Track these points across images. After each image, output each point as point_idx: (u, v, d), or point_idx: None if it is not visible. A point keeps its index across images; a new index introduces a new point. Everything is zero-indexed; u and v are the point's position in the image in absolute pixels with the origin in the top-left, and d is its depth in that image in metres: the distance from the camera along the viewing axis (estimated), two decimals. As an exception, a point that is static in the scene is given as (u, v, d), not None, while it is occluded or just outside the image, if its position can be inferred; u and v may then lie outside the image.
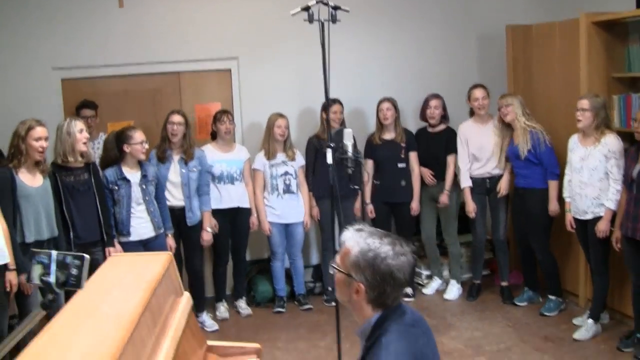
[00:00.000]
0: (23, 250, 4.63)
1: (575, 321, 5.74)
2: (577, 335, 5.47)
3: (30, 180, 4.79)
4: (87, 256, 2.43)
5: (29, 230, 4.74)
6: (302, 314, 6.39)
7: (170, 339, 2.85)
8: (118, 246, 5.36)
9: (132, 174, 5.44)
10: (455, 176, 6.52)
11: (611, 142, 5.25)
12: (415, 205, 6.50)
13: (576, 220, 5.58)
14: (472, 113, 6.41)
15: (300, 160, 6.46)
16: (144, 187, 5.47)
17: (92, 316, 2.62)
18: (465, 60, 7.27)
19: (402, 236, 6.04)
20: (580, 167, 5.44)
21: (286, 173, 6.35)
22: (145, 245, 5.47)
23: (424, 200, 6.58)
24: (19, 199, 4.71)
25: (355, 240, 2.35)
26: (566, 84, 6.04)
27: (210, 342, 3.57)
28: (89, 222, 5.19)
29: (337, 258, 2.41)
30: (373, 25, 7.03)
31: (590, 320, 5.49)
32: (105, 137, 5.93)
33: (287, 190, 6.37)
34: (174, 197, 5.86)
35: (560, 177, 5.80)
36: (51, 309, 2.59)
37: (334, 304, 5.19)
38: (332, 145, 4.57)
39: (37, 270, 2.40)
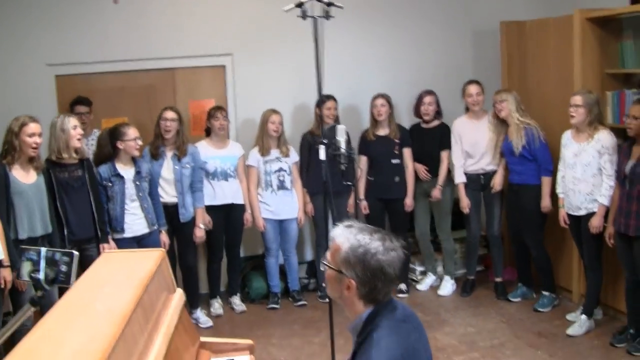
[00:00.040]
0: (16, 247, 4.62)
1: (569, 317, 5.77)
2: (571, 331, 5.48)
3: (24, 177, 4.79)
4: (76, 253, 2.43)
5: (22, 227, 4.73)
6: (297, 310, 6.39)
7: (162, 335, 2.85)
8: (112, 243, 5.35)
9: (126, 171, 5.44)
10: (449, 172, 6.53)
11: (604, 138, 5.27)
12: (409, 202, 6.51)
13: (570, 216, 5.59)
14: (468, 109, 6.42)
15: (294, 156, 6.46)
16: (137, 183, 5.46)
17: (84, 313, 2.62)
18: (459, 56, 7.27)
19: (396, 232, 6.05)
20: (573, 163, 5.45)
21: (280, 169, 6.35)
22: (139, 242, 5.47)
23: (417, 197, 6.59)
24: (12, 195, 4.70)
25: (345, 236, 2.35)
26: (560, 80, 6.04)
27: (203, 339, 3.58)
28: (83, 219, 5.18)
29: (328, 254, 2.42)
30: (368, 21, 7.04)
31: (583, 316, 5.51)
32: (98, 134, 5.92)
33: (281, 186, 6.37)
34: (167, 193, 5.86)
35: (553, 173, 5.81)
36: (40, 305, 2.59)
37: (327, 300, 5.20)
38: (325, 141, 4.58)
39: (26, 267, 2.40)
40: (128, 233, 5.45)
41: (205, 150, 6.17)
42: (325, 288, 2.54)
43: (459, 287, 6.68)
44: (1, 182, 4.66)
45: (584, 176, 5.38)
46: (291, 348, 5.55)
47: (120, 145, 5.38)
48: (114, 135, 5.41)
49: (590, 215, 5.36)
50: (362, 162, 6.53)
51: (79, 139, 5.12)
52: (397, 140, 6.44)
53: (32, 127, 4.74)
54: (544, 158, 5.88)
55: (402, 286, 6.62)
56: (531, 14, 6.70)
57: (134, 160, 5.50)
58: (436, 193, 6.48)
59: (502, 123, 6.11)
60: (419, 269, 6.98)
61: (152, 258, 3.27)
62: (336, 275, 2.37)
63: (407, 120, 6.84)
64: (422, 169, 6.52)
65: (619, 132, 5.34)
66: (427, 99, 6.44)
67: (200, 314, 6.12)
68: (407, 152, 6.49)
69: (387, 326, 2.31)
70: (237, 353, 3.55)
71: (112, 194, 5.38)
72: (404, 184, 6.50)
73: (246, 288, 6.71)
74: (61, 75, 6.39)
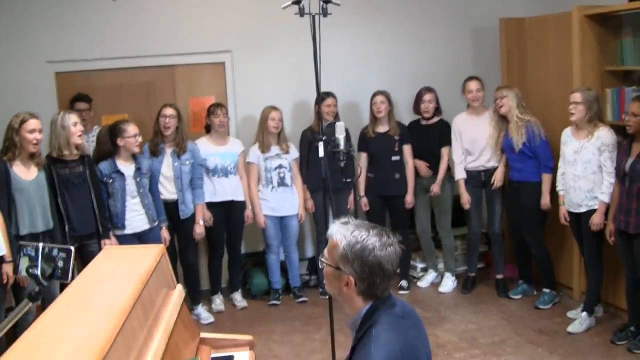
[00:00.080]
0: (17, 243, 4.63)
1: (570, 314, 5.76)
2: (571, 328, 5.48)
3: (25, 173, 4.80)
4: (72, 248, 2.44)
5: (23, 223, 4.75)
6: (297, 307, 6.40)
7: (162, 331, 2.87)
8: (113, 239, 5.37)
9: (126, 167, 5.45)
10: (449, 169, 6.54)
11: (604, 135, 5.26)
12: (409, 198, 6.51)
13: (570, 213, 5.59)
14: (469, 105, 6.42)
15: (294, 153, 6.46)
16: (138, 179, 5.47)
17: (84, 308, 2.63)
18: (459, 53, 7.28)
19: (397, 229, 6.05)
20: (573, 160, 5.45)
21: (280, 166, 6.35)
22: (140, 238, 5.48)
23: (418, 193, 6.59)
24: (13, 191, 4.72)
25: (342, 233, 2.35)
26: (560, 77, 6.04)
27: (203, 334, 3.59)
28: (84, 215, 5.20)
29: (325, 252, 2.42)
30: (367, 18, 7.04)
31: (584, 314, 5.51)
32: (98, 131, 5.93)
33: (282, 183, 6.38)
34: (167, 190, 5.87)
35: (554, 170, 5.81)
36: (38, 301, 2.60)
37: (328, 296, 5.20)
38: (324, 138, 4.58)
39: (24, 263, 2.41)
40: (129, 229, 5.46)
41: (206, 147, 6.18)
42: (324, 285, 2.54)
43: (459, 284, 6.69)
44: (2, 178, 4.67)
45: (584, 173, 5.38)
46: (292, 344, 5.56)
47: (120, 142, 5.38)
48: (113, 132, 5.42)
49: (591, 212, 5.35)
50: (362, 159, 6.53)
51: (79, 136, 5.14)
52: (396, 137, 6.44)
53: (32, 124, 4.75)
54: (544, 155, 5.87)
55: (403, 283, 6.63)
56: (531, 11, 6.69)
57: (134, 157, 5.51)
58: (435, 188, 6.48)
59: (502, 119, 6.10)
60: (420, 265, 6.99)
61: (152, 254, 3.29)
62: (334, 272, 2.37)
63: (407, 117, 6.84)
64: (423, 165, 6.52)
65: (619, 130, 5.33)
66: (427, 97, 6.44)
67: (201, 310, 6.13)
68: (407, 149, 6.49)
69: (386, 322, 2.32)
70: (237, 349, 3.56)
71: (112, 191, 5.39)
72: (404, 180, 6.50)
73: (247, 284, 6.72)
74: (61, 72, 6.40)
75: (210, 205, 6.15)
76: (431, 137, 6.52)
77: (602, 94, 5.62)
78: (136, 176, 5.47)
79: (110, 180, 5.37)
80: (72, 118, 5.12)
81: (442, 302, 6.36)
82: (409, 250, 6.79)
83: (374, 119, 6.49)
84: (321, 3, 4.44)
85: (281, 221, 6.47)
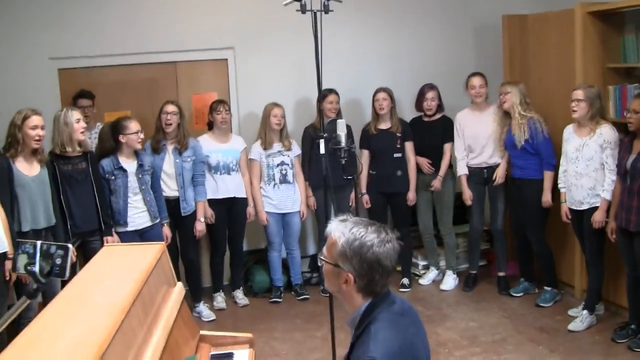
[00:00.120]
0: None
1: (571, 312, 5.76)
2: (572, 326, 5.48)
3: (27, 170, 4.82)
4: (70, 246, 2.45)
5: (25, 220, 4.77)
6: (299, 304, 6.41)
7: (161, 328, 2.88)
8: (116, 236, 5.38)
9: (129, 164, 5.46)
10: (452, 166, 6.54)
11: (606, 133, 5.25)
12: (411, 195, 6.50)
13: (572, 210, 5.58)
14: (473, 101, 6.42)
15: (296, 149, 6.47)
16: (140, 176, 5.48)
17: (84, 305, 2.65)
18: (461, 50, 7.28)
19: (399, 226, 6.04)
20: (575, 158, 5.44)
21: (282, 163, 6.35)
22: (142, 235, 5.49)
23: (420, 191, 6.58)
24: (15, 188, 4.74)
25: (341, 230, 2.36)
26: (562, 74, 6.03)
27: (203, 332, 3.60)
28: (86, 211, 5.22)
29: (324, 249, 2.43)
30: (370, 15, 7.04)
31: (585, 311, 5.51)
32: (100, 128, 5.93)
33: (284, 180, 6.38)
34: (169, 187, 5.87)
35: (556, 167, 5.80)
36: (35, 298, 2.62)
37: (329, 294, 5.21)
38: (325, 135, 4.59)
39: (22, 260, 2.42)
40: (131, 226, 5.47)
41: (208, 144, 6.18)
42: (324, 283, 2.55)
43: (461, 281, 6.68)
44: (4, 174, 4.69)
45: (586, 171, 5.37)
46: (293, 342, 5.57)
47: (122, 138, 5.39)
48: (115, 129, 5.43)
49: (593, 210, 5.35)
50: (364, 156, 6.53)
51: (82, 132, 5.16)
52: (398, 134, 6.44)
53: (35, 120, 4.77)
54: (546, 152, 5.86)
55: (405, 281, 6.63)
56: (533, 8, 6.68)
57: (136, 154, 5.52)
58: (436, 183, 6.48)
59: (506, 115, 6.07)
60: (422, 263, 6.99)
61: (153, 252, 3.30)
62: (333, 269, 2.38)
63: (409, 113, 6.83)
64: (425, 162, 6.52)
65: (621, 127, 5.31)
66: (430, 95, 6.44)
67: (203, 307, 6.14)
68: (409, 146, 6.49)
69: (385, 319, 2.32)
70: (237, 346, 3.57)
71: (114, 188, 5.40)
72: (406, 177, 6.50)
73: (249, 282, 6.72)
74: (64, 69, 6.40)
75: (213, 203, 6.15)
76: (434, 133, 6.52)
77: (605, 91, 5.60)
78: (138, 173, 5.48)
79: (113, 177, 5.38)
80: (75, 115, 5.14)
81: (444, 300, 6.36)
82: (411, 248, 6.79)
83: (376, 116, 6.49)
84: (323, 0, 4.44)
85: (283, 218, 6.48)
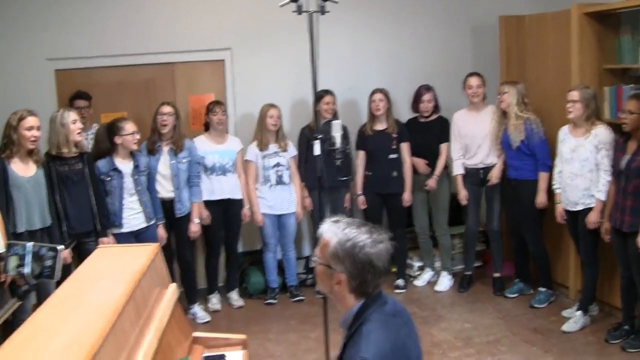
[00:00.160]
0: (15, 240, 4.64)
1: (565, 313, 5.77)
2: (566, 327, 5.50)
3: (23, 170, 4.81)
4: (60, 247, 2.46)
5: (20, 221, 4.75)
6: (294, 306, 6.41)
7: (154, 329, 2.88)
8: (111, 237, 5.37)
9: (125, 165, 5.45)
10: (447, 166, 6.55)
11: (602, 133, 5.27)
12: (407, 196, 6.51)
13: (567, 211, 5.59)
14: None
15: (292, 150, 6.46)
16: (136, 177, 5.48)
17: (77, 306, 2.66)
18: (459, 51, 7.28)
19: (395, 227, 6.01)
20: (570, 158, 5.45)
21: (278, 164, 6.35)
22: (137, 237, 5.48)
23: (416, 191, 6.59)
24: (10, 188, 4.73)
25: (333, 231, 2.37)
26: (558, 75, 6.04)
27: (196, 334, 3.60)
28: (82, 212, 5.21)
29: (317, 250, 2.44)
30: (367, 15, 7.04)
31: (579, 312, 5.52)
32: (96, 129, 5.94)
33: (280, 181, 6.38)
34: (164, 188, 5.87)
35: (551, 168, 5.81)
36: (24, 299, 2.63)
37: (323, 295, 5.21)
38: (319, 136, 4.59)
39: (12, 262, 2.43)
40: (126, 228, 5.46)
41: (204, 145, 6.18)
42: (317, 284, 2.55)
43: (456, 282, 6.69)
44: (0, 175, 4.68)
45: (582, 171, 5.38)
46: (287, 343, 5.57)
47: (118, 140, 5.39)
48: (111, 130, 5.42)
49: (588, 210, 5.36)
50: (360, 157, 6.54)
51: (78, 133, 5.16)
52: (394, 135, 6.44)
53: (31, 121, 4.76)
54: (542, 153, 5.87)
55: (400, 282, 6.64)
56: (531, 9, 6.69)
57: (132, 155, 5.52)
58: (431, 182, 6.49)
59: (505, 115, 6.07)
60: (417, 264, 6.98)
61: (146, 253, 3.31)
62: (326, 270, 2.39)
63: (407, 114, 6.82)
64: (422, 163, 6.52)
65: (617, 128, 5.31)
66: (426, 97, 6.45)
67: (198, 309, 6.14)
68: (404, 147, 6.49)
69: (377, 320, 2.33)
70: (230, 348, 3.58)
71: (110, 189, 5.40)
72: (402, 178, 6.50)
73: (244, 283, 6.72)
74: (61, 70, 6.39)
75: (208, 204, 6.15)
76: (430, 134, 6.53)
77: (600, 92, 5.62)
78: (134, 174, 5.48)
79: (108, 178, 5.38)
80: (72, 116, 5.14)
81: (439, 301, 6.37)
82: (406, 249, 6.80)
83: (372, 117, 6.49)
84: (319, 1, 4.44)
85: (279, 219, 6.47)
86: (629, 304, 5.14)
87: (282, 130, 6.40)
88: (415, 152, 6.54)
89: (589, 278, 5.49)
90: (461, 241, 6.91)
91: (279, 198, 6.39)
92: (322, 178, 4.58)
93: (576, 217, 5.49)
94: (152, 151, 5.86)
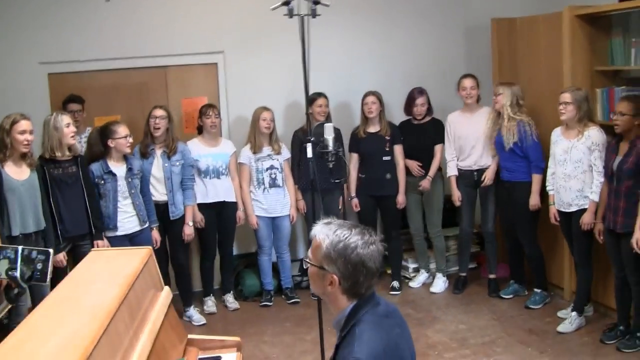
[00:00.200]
0: (10, 244, 4.63)
1: (560, 314, 5.78)
2: (561, 328, 5.50)
3: (17, 174, 4.82)
4: (51, 251, 2.46)
5: (14, 224, 4.75)
6: (289, 308, 6.41)
7: (148, 332, 2.88)
8: (106, 240, 5.37)
9: (118, 168, 5.45)
10: (441, 168, 6.56)
11: (594, 135, 5.28)
12: (400, 198, 6.52)
13: (560, 213, 5.60)
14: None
15: (285, 153, 6.47)
16: (129, 180, 5.48)
17: (70, 309, 2.65)
18: (452, 53, 7.30)
19: (390, 229, 6.00)
20: (564, 160, 5.47)
21: (272, 167, 6.35)
22: (132, 240, 5.48)
23: (410, 193, 6.59)
24: (4, 192, 4.73)
25: (325, 233, 2.38)
26: (551, 77, 6.06)
27: (191, 336, 3.60)
28: (76, 215, 5.21)
29: (309, 252, 2.45)
30: (359, 18, 7.05)
31: (574, 313, 5.53)
32: (89, 133, 5.93)
33: (273, 184, 6.38)
34: (158, 191, 5.87)
35: (544, 170, 5.82)
36: (15, 303, 2.62)
37: (317, 297, 5.21)
38: (312, 139, 4.60)
39: (3, 265, 2.42)
40: (120, 231, 5.46)
41: (197, 148, 6.18)
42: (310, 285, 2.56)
43: (451, 284, 6.69)
44: (-7, 179, 4.69)
45: (575, 173, 5.39)
46: (283, 345, 5.57)
47: (111, 143, 5.39)
48: (104, 133, 5.43)
49: (581, 212, 5.37)
50: (353, 159, 6.55)
51: (72, 137, 5.17)
52: (387, 137, 6.45)
53: (23, 125, 4.77)
54: (535, 155, 5.88)
55: (395, 284, 6.64)
56: (524, 11, 6.70)
57: (126, 158, 5.52)
58: (425, 183, 6.50)
59: (499, 116, 6.08)
60: (412, 266, 6.99)
61: (139, 256, 3.30)
62: (318, 271, 2.40)
63: (400, 116, 6.81)
64: (415, 165, 6.53)
65: (609, 129, 5.34)
66: (420, 101, 6.45)
67: (193, 311, 6.14)
68: (397, 149, 6.50)
69: (369, 321, 2.34)
70: (224, 350, 3.57)
71: (104, 192, 5.40)
72: (395, 180, 6.50)
73: (239, 286, 6.71)
74: (54, 74, 6.38)
75: (202, 207, 6.15)
76: (424, 135, 6.54)
77: (592, 94, 5.64)
78: (128, 177, 5.48)
79: (102, 182, 5.38)
80: (65, 119, 5.14)
81: (434, 303, 6.37)
82: (401, 251, 6.81)
83: (365, 119, 6.50)
84: (310, 4, 4.45)
85: (273, 222, 6.48)
86: (623, 304, 5.15)
87: (275, 133, 6.40)
88: (409, 154, 6.55)
89: (584, 279, 5.50)
90: (455, 243, 6.92)
91: (273, 201, 6.40)
92: (314, 181, 4.59)
93: (570, 219, 5.50)
94: (145, 154, 5.86)
